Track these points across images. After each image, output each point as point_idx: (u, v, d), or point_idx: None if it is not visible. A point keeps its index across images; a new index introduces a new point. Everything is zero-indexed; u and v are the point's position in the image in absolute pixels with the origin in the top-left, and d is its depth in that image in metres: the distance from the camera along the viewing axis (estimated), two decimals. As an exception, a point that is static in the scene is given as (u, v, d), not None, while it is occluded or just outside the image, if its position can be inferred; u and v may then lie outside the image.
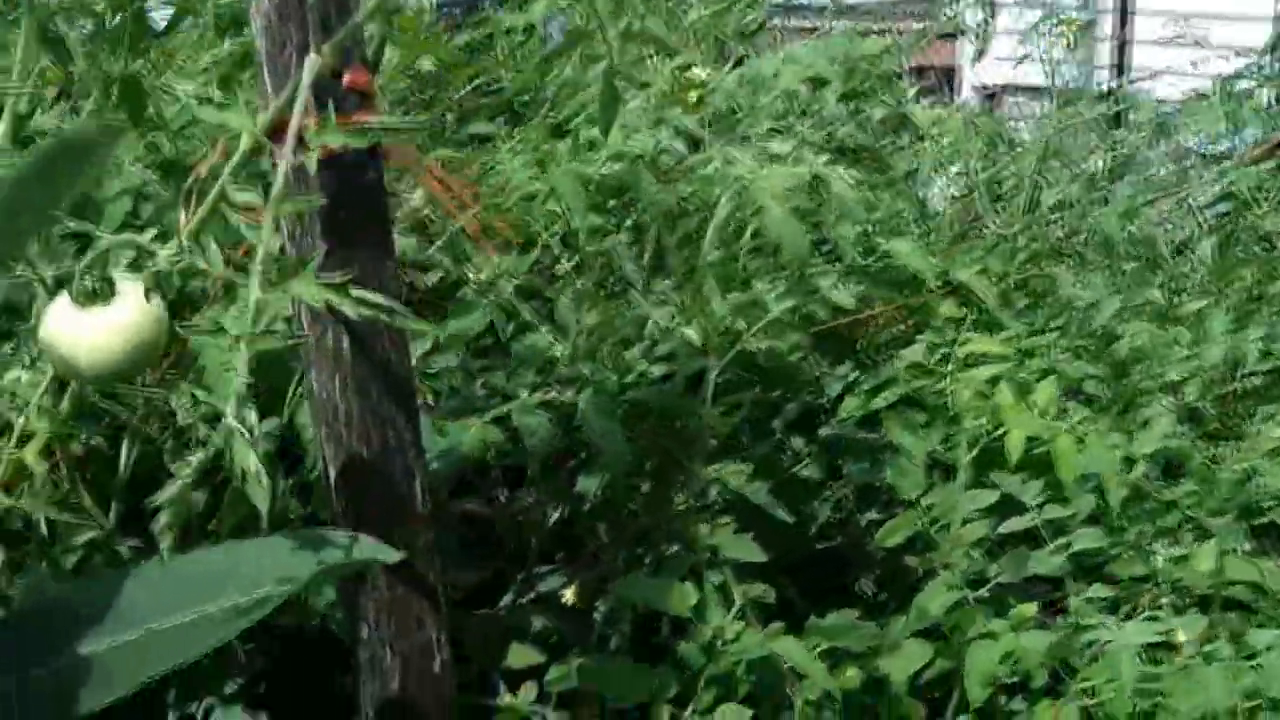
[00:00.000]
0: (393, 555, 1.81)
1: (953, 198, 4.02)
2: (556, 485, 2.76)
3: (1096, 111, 4.15)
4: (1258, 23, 7.94)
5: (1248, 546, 3.44)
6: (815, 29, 6.91)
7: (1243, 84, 4.66)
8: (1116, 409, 3.59)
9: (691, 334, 2.55)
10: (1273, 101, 4.73)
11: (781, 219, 2.52)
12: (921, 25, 7.81)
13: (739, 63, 3.94)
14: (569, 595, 2.66)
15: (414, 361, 2.31)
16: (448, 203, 2.24)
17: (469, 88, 3.67)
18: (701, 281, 2.73)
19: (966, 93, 8.56)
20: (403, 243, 2.55)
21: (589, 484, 2.67)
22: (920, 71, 7.06)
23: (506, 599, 2.94)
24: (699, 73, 3.01)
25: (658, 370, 2.79)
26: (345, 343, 1.97)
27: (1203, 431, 3.72)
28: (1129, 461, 3.21)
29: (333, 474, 2.03)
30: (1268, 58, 5.63)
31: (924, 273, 3.27)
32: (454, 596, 3.04)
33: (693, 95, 2.94)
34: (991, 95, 8.51)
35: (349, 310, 1.73)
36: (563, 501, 2.78)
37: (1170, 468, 3.52)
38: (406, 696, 2.09)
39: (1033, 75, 7.86)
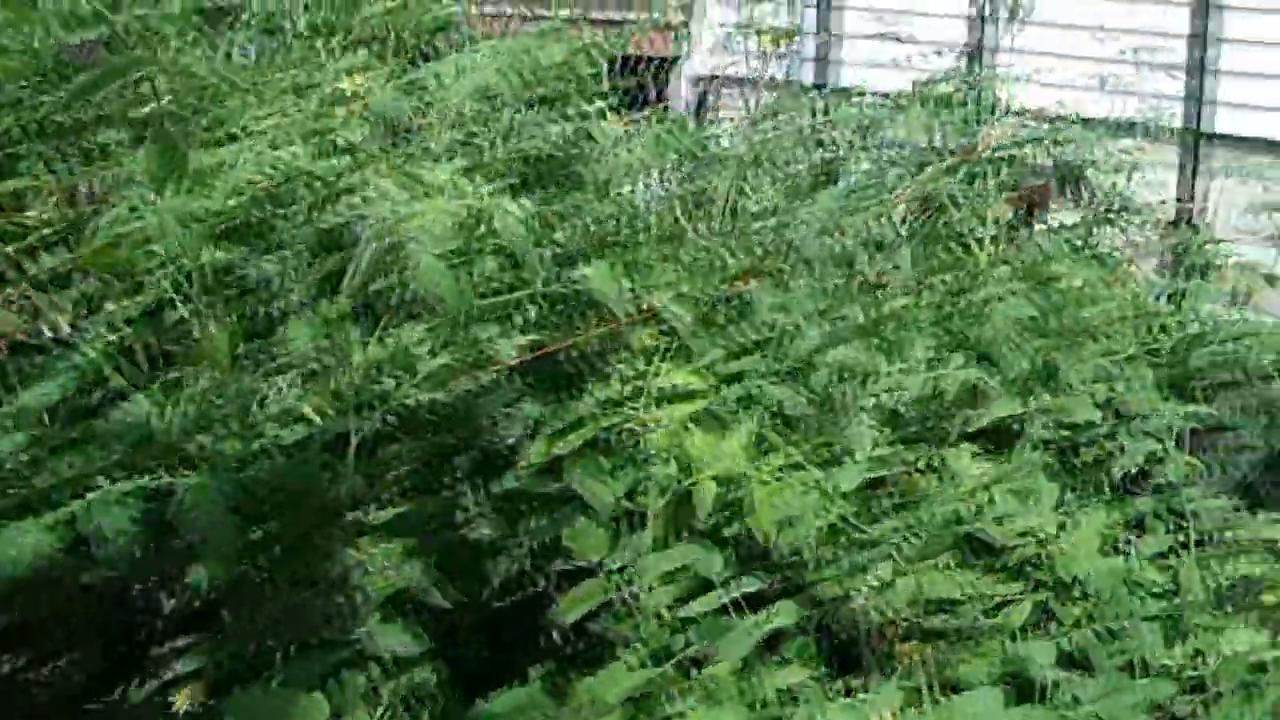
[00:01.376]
0: None
1: (653, 209, 3.45)
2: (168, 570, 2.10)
3: (798, 124, 3.60)
4: (957, 20, 7.61)
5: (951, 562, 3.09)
6: (528, 17, 6.30)
7: (943, 87, 4.22)
8: (817, 428, 3.09)
9: (305, 409, 1.91)
10: (971, 103, 4.29)
11: (433, 269, 1.92)
12: (635, 17, 7.27)
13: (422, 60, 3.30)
14: (180, 701, 2.01)
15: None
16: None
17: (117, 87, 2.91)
18: (341, 330, 2.09)
19: (682, 83, 8.03)
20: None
21: (199, 579, 2.02)
22: (637, 61, 6.50)
23: (131, 691, 2.27)
24: (349, 84, 2.36)
25: (293, 433, 2.14)
26: None
27: (904, 435, 3.28)
28: (829, 500, 2.72)
29: None
30: (964, 65, 5.28)
31: (615, 300, 2.70)
32: (78, 680, 2.36)
33: (340, 112, 2.29)
34: (705, 84, 7.99)
35: None
36: (178, 588, 2.12)
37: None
38: None
39: (743, 67, 7.42)
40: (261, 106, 2.72)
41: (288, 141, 2.53)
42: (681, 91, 7.94)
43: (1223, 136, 7.00)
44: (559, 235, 2.75)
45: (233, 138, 2.62)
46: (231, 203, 2.10)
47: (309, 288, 2.20)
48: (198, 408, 1.99)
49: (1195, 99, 7.02)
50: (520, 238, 2.16)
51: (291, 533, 2.12)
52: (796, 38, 7.12)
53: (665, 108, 3.80)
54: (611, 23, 7.41)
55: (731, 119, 5.92)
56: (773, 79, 6.97)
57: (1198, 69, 6.99)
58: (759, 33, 6.59)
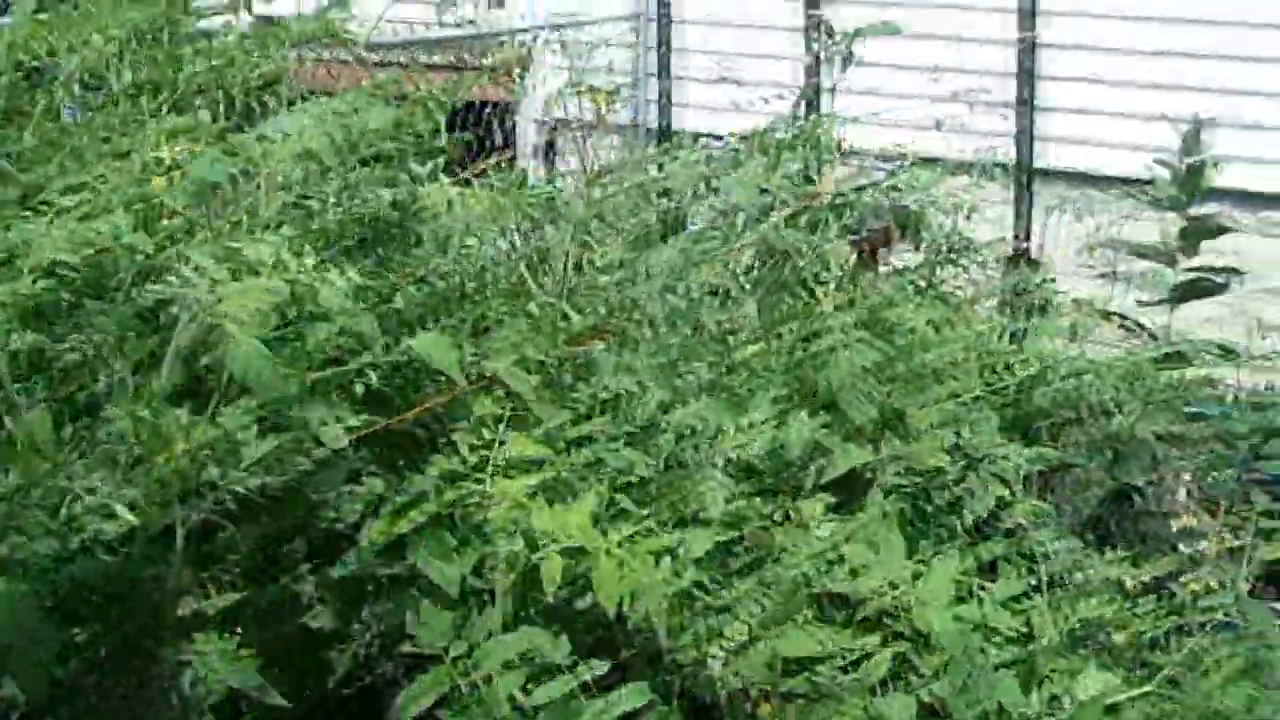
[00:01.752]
0: None
1: (495, 265, 3.35)
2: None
3: (640, 177, 3.54)
4: (791, 61, 7.66)
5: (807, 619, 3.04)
6: (384, 62, 6.18)
7: (781, 133, 4.20)
8: (666, 490, 3.02)
9: (120, 509, 1.78)
10: (809, 148, 4.27)
11: (249, 355, 1.80)
12: (471, 62, 7.20)
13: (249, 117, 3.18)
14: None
15: None
16: None
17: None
18: (162, 414, 1.97)
19: (522, 129, 7.96)
20: None
21: (13, 692, 1.87)
22: (469, 107, 6.43)
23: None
24: (165, 152, 2.23)
25: (114, 527, 2.00)
26: None
27: (756, 489, 3.24)
28: (678, 567, 2.65)
29: None
30: (800, 109, 5.33)
31: (450, 369, 2.60)
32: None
33: (158, 183, 2.17)
34: (550, 128, 7.93)
35: None
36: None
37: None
38: None
39: (587, 112, 7.39)
40: (77, 173, 2.59)
41: (103, 211, 2.39)
42: (524, 137, 7.88)
43: (1053, 172, 7.16)
44: (396, 299, 2.65)
45: (45, 206, 2.48)
46: (41, 284, 1.97)
47: (127, 370, 2.07)
48: (7, 506, 1.85)
49: (1025, 136, 7.18)
50: (347, 311, 2.05)
51: (117, 634, 1.98)
52: (619, 99, 7.17)
53: (500, 162, 3.68)
54: (447, 67, 7.31)
55: (573, 170, 5.87)
56: (616, 125, 6.97)
57: (1026, 106, 7.15)
58: (580, 93, 6.65)
